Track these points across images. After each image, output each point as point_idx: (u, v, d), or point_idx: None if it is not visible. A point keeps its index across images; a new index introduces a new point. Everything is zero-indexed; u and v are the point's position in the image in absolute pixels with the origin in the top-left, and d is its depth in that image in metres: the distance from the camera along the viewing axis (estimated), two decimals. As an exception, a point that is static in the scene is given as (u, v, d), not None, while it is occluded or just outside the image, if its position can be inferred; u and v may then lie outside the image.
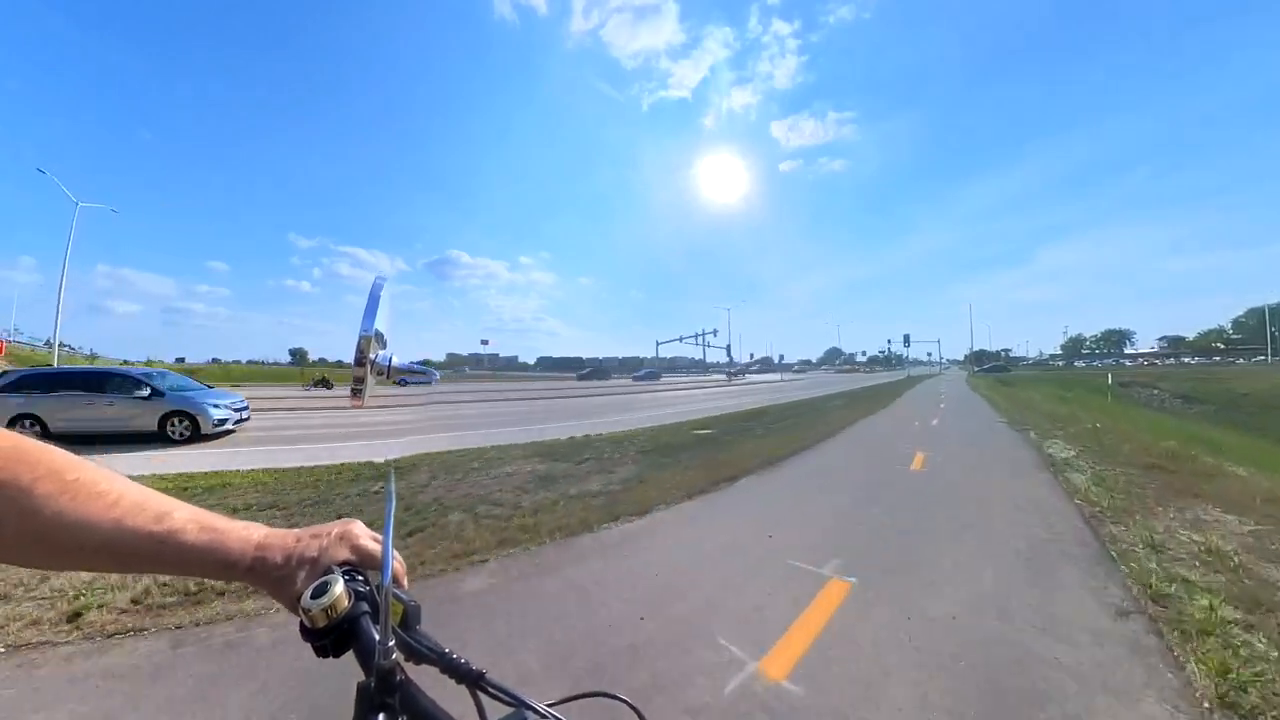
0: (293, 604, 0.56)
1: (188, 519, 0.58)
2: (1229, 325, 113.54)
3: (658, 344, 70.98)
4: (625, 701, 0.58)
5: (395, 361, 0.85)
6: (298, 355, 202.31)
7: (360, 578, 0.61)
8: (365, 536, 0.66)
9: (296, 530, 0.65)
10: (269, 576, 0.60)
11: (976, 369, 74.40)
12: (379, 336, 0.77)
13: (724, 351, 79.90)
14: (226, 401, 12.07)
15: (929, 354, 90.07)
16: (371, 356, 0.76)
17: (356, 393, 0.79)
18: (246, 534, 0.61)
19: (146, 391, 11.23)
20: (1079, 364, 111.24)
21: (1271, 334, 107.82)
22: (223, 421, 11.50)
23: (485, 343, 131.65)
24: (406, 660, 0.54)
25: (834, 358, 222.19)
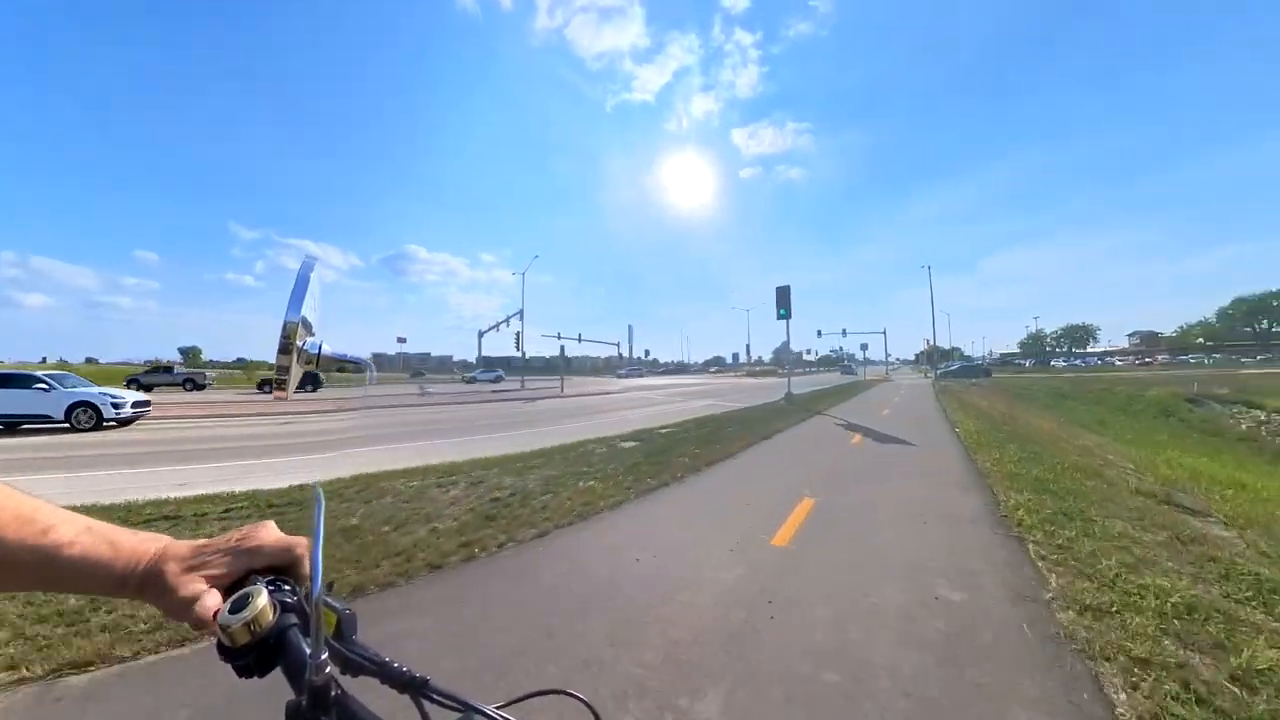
0: (200, 622, 0.50)
1: (79, 531, 0.51)
2: (1213, 317, 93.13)
3: (479, 334, 44.00)
4: (578, 698, 0.54)
5: (326, 349, 0.75)
6: (189, 354, 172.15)
7: (286, 587, 0.54)
8: (284, 542, 0.57)
9: (202, 540, 0.56)
10: (167, 593, 0.51)
11: (939, 370, 49.27)
12: (306, 323, 0.69)
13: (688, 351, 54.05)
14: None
15: (864, 347, 64.29)
16: (298, 344, 0.68)
17: (280, 384, 0.70)
18: (143, 546, 0.53)
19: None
20: (1058, 364, 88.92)
21: (1262, 327, 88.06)
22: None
23: (402, 340, 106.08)
24: (343, 673, 0.49)
25: (783, 356, 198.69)
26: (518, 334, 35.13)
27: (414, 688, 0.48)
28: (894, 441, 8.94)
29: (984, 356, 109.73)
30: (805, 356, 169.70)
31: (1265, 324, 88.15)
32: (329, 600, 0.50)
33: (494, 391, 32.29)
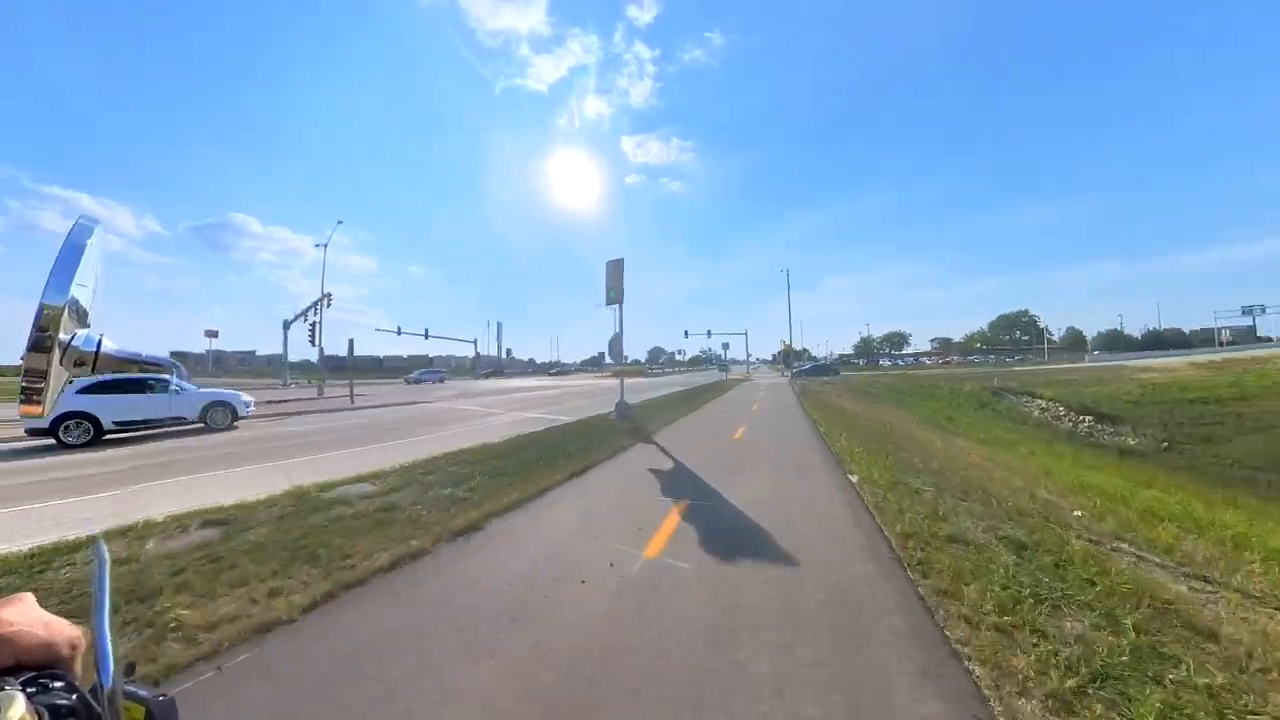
0: None
1: None
2: (986, 328, 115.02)
3: (285, 324, 34.11)
4: None
5: (109, 346, 0.50)
6: None
7: (59, 684, 0.39)
8: (45, 624, 0.40)
9: None
10: None
11: (795, 370, 50.76)
12: (76, 309, 0.45)
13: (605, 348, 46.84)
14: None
15: (725, 347, 64.78)
16: (63, 338, 0.45)
17: (31, 394, 0.45)
18: None
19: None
20: (885, 363, 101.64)
21: (1015, 336, 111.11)
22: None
23: (213, 334, 63.84)
24: None
25: (658, 356, 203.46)
26: (314, 325, 26.73)
27: None
28: (744, 544, 4.00)
29: (827, 356, 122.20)
30: (677, 357, 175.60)
31: (1018, 334, 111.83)
32: (131, 689, 0.37)
33: (269, 403, 23.66)
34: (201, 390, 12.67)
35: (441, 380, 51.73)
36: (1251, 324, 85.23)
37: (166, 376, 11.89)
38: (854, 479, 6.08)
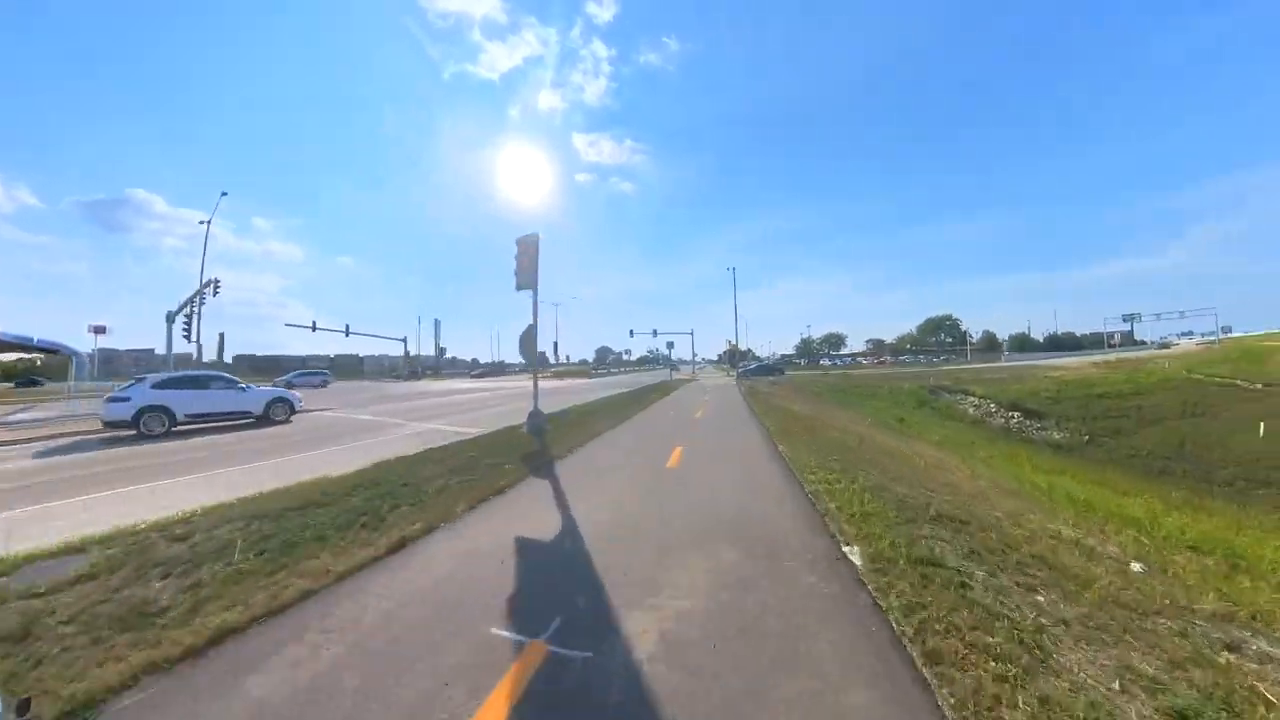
0: None
1: None
2: (916, 330, 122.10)
3: (168, 317, 28.01)
4: None
5: None
6: None
7: None
8: None
9: None
10: None
11: (740, 369, 50.46)
12: None
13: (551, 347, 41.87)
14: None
15: (670, 345, 63.06)
16: None
17: None
18: None
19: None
20: (825, 363, 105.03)
21: (941, 338, 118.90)
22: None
23: (100, 330, 37.97)
24: None
25: (605, 356, 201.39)
26: (189, 319, 22.46)
27: None
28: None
29: (770, 356, 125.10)
30: (625, 357, 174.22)
31: (943, 336, 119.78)
32: None
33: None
34: (263, 389, 14.39)
35: (324, 384, 42.54)
36: (1130, 329, 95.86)
37: (230, 376, 13.66)
38: (856, 560, 3.67)
